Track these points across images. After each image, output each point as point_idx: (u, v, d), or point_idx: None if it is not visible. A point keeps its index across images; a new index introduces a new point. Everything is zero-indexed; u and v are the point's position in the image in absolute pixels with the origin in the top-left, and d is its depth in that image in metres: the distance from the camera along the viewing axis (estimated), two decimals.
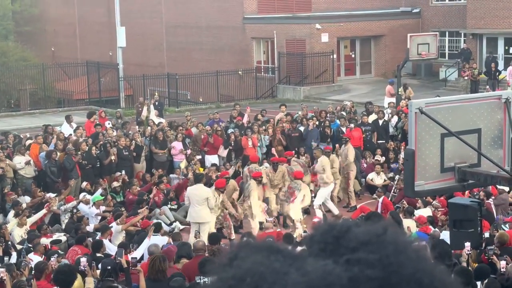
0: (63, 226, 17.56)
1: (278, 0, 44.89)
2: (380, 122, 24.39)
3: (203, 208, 16.67)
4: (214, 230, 16.80)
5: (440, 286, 1.45)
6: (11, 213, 17.62)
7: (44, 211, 17.76)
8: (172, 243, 14.37)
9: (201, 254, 12.37)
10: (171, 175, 21.99)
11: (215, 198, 17.06)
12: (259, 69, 43.46)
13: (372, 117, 24.83)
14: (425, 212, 16.39)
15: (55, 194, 19.49)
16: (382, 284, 1.42)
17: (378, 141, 23.95)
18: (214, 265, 1.60)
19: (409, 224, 15.60)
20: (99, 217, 18.09)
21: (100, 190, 19.54)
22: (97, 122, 24.68)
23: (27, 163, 20.81)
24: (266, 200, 18.65)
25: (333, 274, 1.44)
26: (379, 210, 17.53)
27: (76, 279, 10.79)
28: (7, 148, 22.01)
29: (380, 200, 17.87)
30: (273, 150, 23.22)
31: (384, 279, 1.42)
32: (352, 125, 23.63)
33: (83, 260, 11.45)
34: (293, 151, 21.92)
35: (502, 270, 11.02)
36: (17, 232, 16.35)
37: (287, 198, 17.80)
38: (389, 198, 19.07)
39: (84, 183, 20.39)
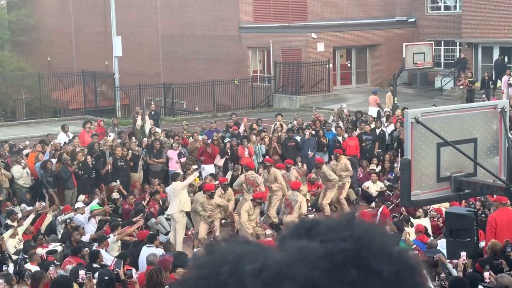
0: (59, 236, 17.51)
1: (274, 10, 45.00)
2: (377, 131, 24.41)
3: (174, 202, 17.69)
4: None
5: (408, 258, 1.54)
6: (5, 223, 17.62)
7: (32, 216, 17.68)
8: (164, 253, 14.33)
9: None
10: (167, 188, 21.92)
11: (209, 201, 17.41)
12: (255, 79, 43.50)
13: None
14: (424, 221, 16.37)
15: (46, 202, 19.48)
16: (354, 256, 1.50)
17: (377, 150, 23.98)
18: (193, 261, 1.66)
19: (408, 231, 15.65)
20: (95, 224, 18.01)
21: (96, 200, 19.49)
22: (94, 132, 24.63)
23: (24, 167, 20.87)
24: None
25: (309, 248, 1.53)
26: (377, 220, 17.56)
27: None
28: (2, 157, 21.98)
29: (380, 209, 17.89)
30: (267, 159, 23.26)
31: (356, 250, 1.51)
32: (346, 135, 23.63)
33: (82, 272, 11.42)
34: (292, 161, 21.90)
35: (487, 280, 11.02)
36: (10, 243, 16.28)
37: (285, 210, 17.84)
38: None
39: (82, 197, 20.29)
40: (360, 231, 1.57)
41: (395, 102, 30.35)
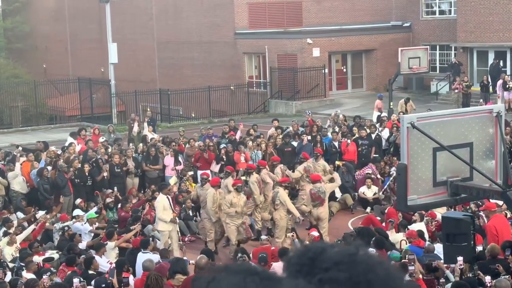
0: (56, 244, 17.47)
1: (269, 15, 45.05)
2: (373, 136, 24.43)
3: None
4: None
5: None
6: (2, 231, 17.55)
7: (33, 226, 17.64)
8: (160, 259, 14.31)
9: (202, 271, 12.29)
10: None
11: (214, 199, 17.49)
12: (251, 84, 43.53)
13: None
14: (420, 226, 16.34)
15: (45, 211, 19.42)
16: None
17: (373, 155, 23.99)
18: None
19: (402, 238, 15.60)
20: (92, 234, 17.99)
21: (95, 208, 19.46)
22: (89, 138, 24.57)
23: (16, 174, 20.83)
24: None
25: None
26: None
27: None
28: None
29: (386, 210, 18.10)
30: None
31: None
32: (349, 141, 23.64)
33: (76, 280, 11.38)
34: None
35: (488, 284, 11.01)
36: (7, 251, 16.23)
37: (314, 203, 17.94)
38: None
39: (78, 200, 20.27)
40: (360, 273, 1.53)
41: (391, 107, 30.39)
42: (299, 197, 18.94)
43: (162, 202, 17.52)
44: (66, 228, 17.54)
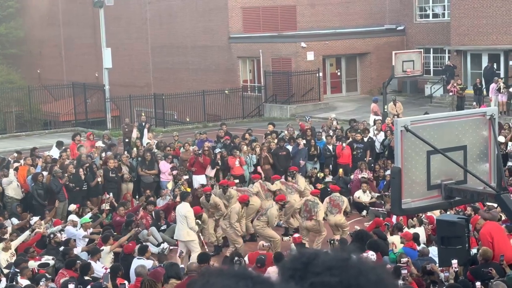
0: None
1: (263, 19, 45.09)
2: (365, 139, 24.47)
3: (183, 226, 17.09)
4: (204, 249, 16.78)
5: None
6: None
7: (27, 232, 17.53)
8: (158, 264, 14.30)
9: (193, 275, 12.32)
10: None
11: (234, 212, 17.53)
12: (245, 88, 43.54)
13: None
14: (419, 230, 16.35)
15: (39, 217, 19.35)
16: None
17: (368, 158, 24.02)
18: None
19: (395, 240, 15.63)
20: (87, 239, 17.95)
21: (89, 214, 19.41)
22: (80, 144, 24.48)
23: (10, 181, 20.76)
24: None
25: None
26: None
27: None
28: None
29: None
30: (259, 169, 23.22)
31: None
32: (344, 144, 23.67)
33: (71, 287, 11.36)
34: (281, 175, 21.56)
35: None
36: (2, 257, 16.17)
37: (333, 210, 18.07)
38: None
39: (74, 206, 20.17)
40: (351, 277, 1.55)
41: (385, 110, 30.41)
42: (284, 210, 18.89)
43: (192, 211, 17.29)
44: (52, 235, 17.25)
